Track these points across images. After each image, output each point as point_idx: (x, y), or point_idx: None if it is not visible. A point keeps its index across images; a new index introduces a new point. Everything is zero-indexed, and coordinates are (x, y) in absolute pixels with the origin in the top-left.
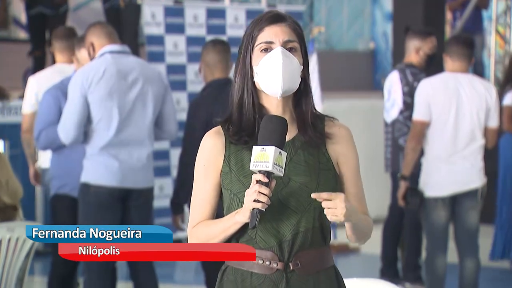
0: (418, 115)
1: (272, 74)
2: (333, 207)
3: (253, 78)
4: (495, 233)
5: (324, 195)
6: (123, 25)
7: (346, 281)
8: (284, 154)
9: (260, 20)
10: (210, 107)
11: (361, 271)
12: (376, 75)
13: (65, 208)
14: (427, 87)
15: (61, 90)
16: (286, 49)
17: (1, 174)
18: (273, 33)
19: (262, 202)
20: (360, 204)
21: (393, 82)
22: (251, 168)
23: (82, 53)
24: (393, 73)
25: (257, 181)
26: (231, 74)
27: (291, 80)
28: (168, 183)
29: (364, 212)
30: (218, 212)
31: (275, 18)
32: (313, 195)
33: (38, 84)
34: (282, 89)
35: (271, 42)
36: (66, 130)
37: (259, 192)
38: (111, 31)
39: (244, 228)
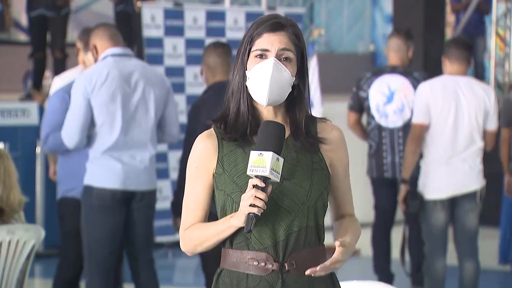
0: (417, 118)
1: (260, 84)
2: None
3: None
4: (501, 237)
5: (327, 264)
6: (133, 29)
7: (346, 284)
8: (281, 160)
9: (261, 24)
10: (211, 109)
11: (361, 273)
12: None
13: (72, 211)
14: (426, 90)
15: (68, 93)
16: (281, 59)
17: (3, 187)
18: (270, 41)
19: (258, 206)
20: (349, 203)
21: None
22: (248, 172)
23: (89, 57)
24: None
25: (254, 186)
26: None
27: (278, 93)
28: (167, 185)
29: (350, 212)
30: (212, 211)
31: (275, 26)
32: (312, 273)
33: (63, 84)
34: (267, 101)
35: (266, 50)
36: (70, 134)
37: (255, 196)
38: (114, 33)
39: (238, 230)
